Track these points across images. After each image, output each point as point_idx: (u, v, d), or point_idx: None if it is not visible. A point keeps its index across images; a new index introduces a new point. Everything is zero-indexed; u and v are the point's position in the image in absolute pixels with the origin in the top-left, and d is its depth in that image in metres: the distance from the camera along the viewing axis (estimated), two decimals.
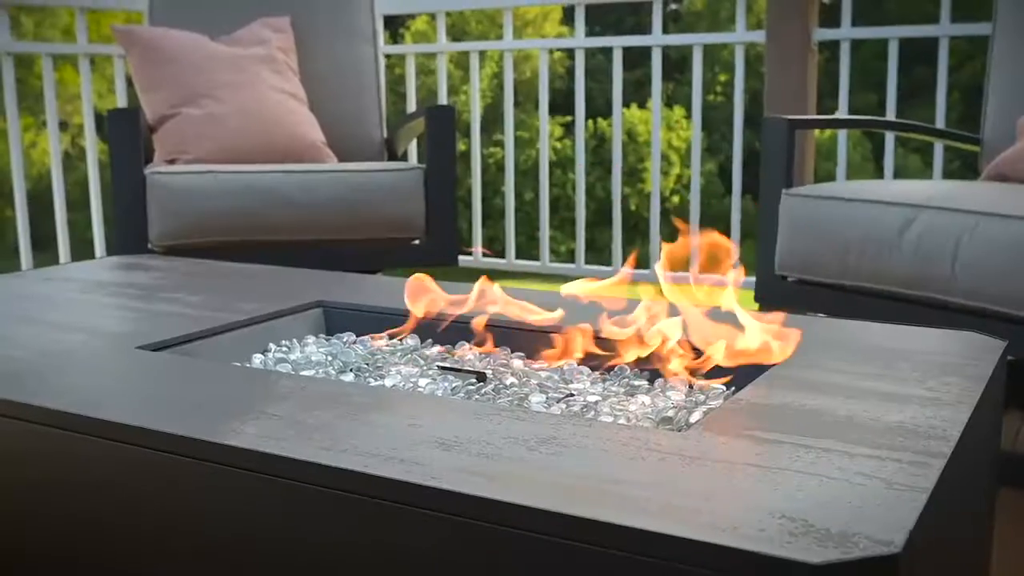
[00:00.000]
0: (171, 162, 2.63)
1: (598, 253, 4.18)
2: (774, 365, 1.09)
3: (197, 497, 0.84)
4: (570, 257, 3.62)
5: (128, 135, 2.35)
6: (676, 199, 14.34)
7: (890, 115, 2.76)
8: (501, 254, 3.65)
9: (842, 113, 2.94)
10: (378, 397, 0.95)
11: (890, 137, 2.91)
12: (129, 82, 2.86)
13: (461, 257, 3.34)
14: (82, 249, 3.55)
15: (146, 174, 2.36)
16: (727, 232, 3.20)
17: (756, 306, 2.78)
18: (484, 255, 3.74)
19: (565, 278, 3.68)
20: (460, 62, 3.73)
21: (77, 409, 0.91)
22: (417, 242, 2.59)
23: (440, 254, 2.59)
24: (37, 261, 3.39)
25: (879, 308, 1.92)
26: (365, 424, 0.86)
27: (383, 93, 3.15)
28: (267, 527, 0.81)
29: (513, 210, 3.65)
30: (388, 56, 3.75)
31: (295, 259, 2.53)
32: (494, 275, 4.23)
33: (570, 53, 3.53)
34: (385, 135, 3.09)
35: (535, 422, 0.87)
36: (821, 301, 2.04)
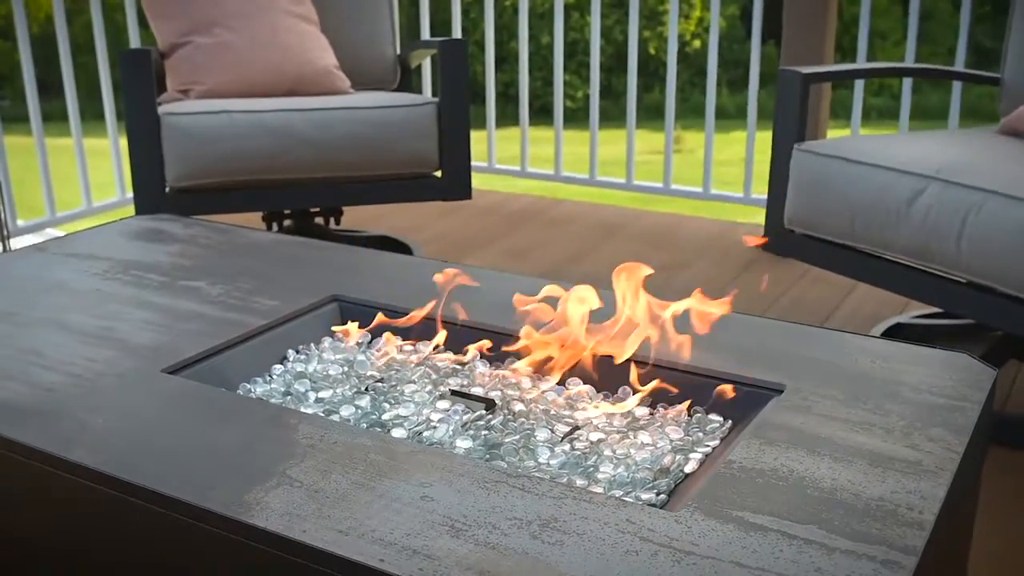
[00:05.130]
0: (183, 92, 2.63)
1: (615, 100, 4.16)
2: (774, 396, 1.15)
3: (211, 564, 0.92)
4: (584, 102, 3.60)
5: (140, 75, 2.34)
6: (697, 43, 13.98)
7: (909, 60, 2.70)
8: (515, 97, 3.61)
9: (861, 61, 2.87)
10: (392, 455, 1.01)
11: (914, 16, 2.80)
12: None
13: (474, 163, 3.34)
14: (91, 98, 3.49)
15: (160, 114, 2.36)
16: (745, 78, 3.17)
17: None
18: (497, 166, 3.74)
19: (579, 189, 3.70)
20: None
21: (101, 467, 0.98)
22: (431, 176, 2.61)
23: (454, 188, 2.61)
24: (45, 107, 3.25)
25: (883, 272, 1.95)
26: (381, 497, 0.92)
27: (395, 7, 3.10)
28: None
29: (527, 124, 3.63)
30: None
31: (310, 196, 2.57)
32: (507, 183, 4.17)
33: None
34: (398, 52, 3.06)
35: (538, 494, 0.93)
36: (826, 258, 2.07)
